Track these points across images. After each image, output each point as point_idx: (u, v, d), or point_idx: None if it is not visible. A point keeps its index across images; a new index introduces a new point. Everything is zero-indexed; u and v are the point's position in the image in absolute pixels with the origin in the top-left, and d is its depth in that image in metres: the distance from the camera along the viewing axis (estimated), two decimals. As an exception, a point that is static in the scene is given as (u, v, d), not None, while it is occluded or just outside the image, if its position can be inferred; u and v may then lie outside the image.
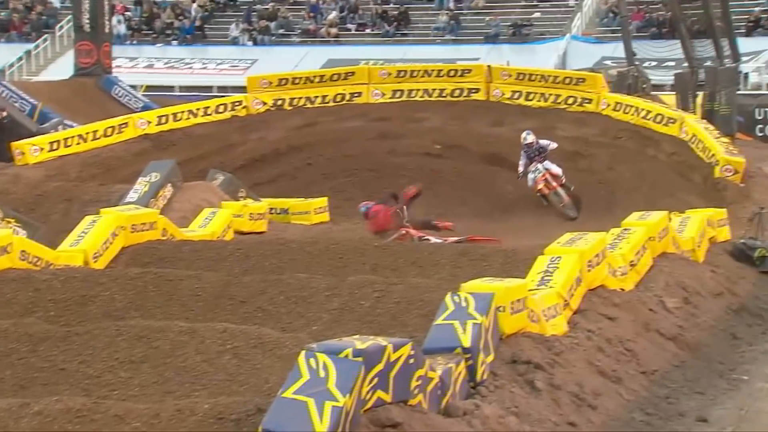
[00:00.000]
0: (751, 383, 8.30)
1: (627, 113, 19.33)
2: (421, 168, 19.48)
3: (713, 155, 16.68)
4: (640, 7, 33.10)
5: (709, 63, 22.58)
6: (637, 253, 9.86)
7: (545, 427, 6.51)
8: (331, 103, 21.34)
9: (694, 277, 10.62)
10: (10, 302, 8.62)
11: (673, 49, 25.80)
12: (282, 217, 16.74)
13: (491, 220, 17.72)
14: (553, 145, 17.48)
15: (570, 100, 20.13)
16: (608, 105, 19.70)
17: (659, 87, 26.29)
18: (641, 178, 18.06)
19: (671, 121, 18.51)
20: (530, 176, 17.38)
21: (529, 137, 17.36)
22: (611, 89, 20.90)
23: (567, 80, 20.48)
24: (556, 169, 17.43)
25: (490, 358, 6.85)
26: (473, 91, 20.90)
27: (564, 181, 17.60)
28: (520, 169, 17.32)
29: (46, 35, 35.90)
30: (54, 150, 18.86)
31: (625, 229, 10.19)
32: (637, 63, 25.28)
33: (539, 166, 17.32)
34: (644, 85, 23.78)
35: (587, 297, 8.70)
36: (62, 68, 31.81)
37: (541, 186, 17.35)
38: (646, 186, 17.68)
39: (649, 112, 18.97)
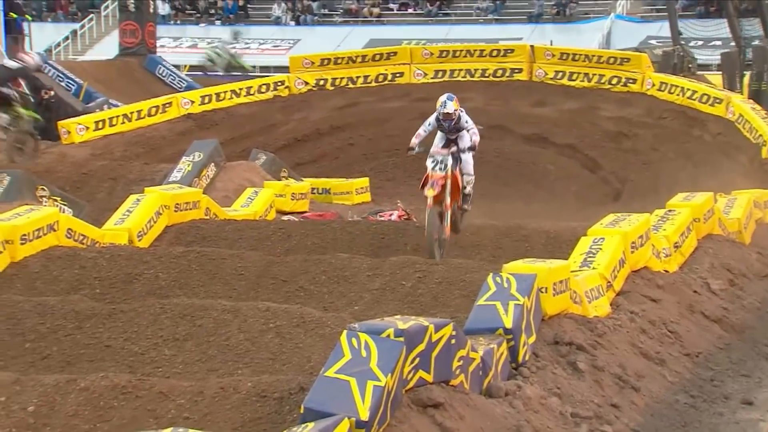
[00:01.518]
0: (797, 366, 8.20)
1: (672, 93, 19.12)
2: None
3: (760, 135, 16.45)
4: (687, -15, 32.64)
5: (756, 42, 22.21)
6: (682, 234, 9.75)
7: (588, 409, 6.47)
8: (373, 84, 21.30)
9: (740, 258, 10.49)
10: (56, 279, 8.73)
11: (719, 27, 25.44)
12: (324, 197, 16.78)
13: (533, 200, 17.62)
14: (476, 138, 10.34)
15: (614, 80, 19.93)
16: (653, 85, 19.48)
17: (705, 67, 25.93)
18: (686, 159, 17.86)
19: (717, 101, 18.27)
20: (429, 162, 10.10)
21: (449, 104, 10.22)
22: (656, 69, 20.65)
23: (611, 60, 20.27)
24: (467, 176, 10.45)
25: (532, 339, 6.81)
26: (516, 71, 20.76)
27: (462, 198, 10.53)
28: (414, 140, 10.36)
29: (91, 15, 36.21)
30: (99, 129, 19.06)
31: (670, 210, 10.07)
32: (682, 42, 24.92)
33: (448, 158, 10.08)
34: (690, 65, 23.47)
35: (630, 278, 8.63)
36: (107, 48, 32.11)
37: (435, 191, 9.90)
38: (690, 166, 17.49)
39: (694, 92, 18.74)
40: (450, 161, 9.91)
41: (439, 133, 10.31)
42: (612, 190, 17.80)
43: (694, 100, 18.63)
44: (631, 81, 19.76)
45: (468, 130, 10.24)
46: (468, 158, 10.26)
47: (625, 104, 19.57)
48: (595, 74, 20.09)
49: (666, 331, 8.11)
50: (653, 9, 33.05)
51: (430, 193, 9.67)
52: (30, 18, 26.51)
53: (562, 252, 8.94)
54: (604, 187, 17.86)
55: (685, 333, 8.24)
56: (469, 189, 10.33)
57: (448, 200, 9.83)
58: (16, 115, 16.43)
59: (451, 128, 10.20)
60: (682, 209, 10.11)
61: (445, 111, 10.12)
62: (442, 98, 10.29)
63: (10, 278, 8.67)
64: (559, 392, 6.49)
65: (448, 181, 9.80)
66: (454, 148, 10.09)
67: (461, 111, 10.22)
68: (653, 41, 29.59)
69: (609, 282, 8.19)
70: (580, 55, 20.63)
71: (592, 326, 7.44)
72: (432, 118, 10.26)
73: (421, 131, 10.28)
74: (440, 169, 9.83)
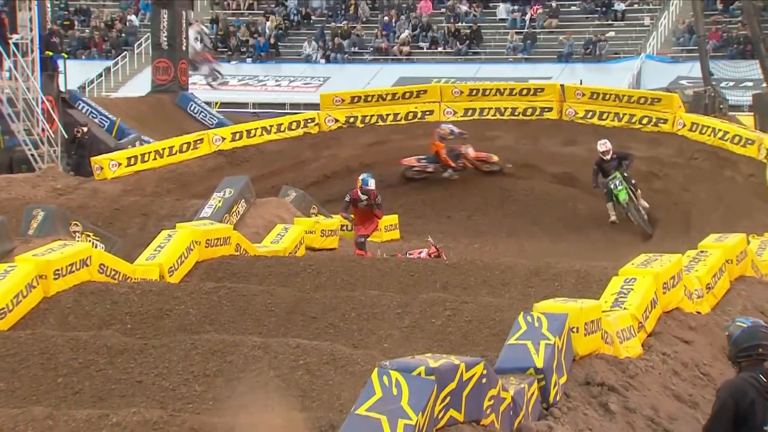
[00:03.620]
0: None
1: (704, 134, 19.04)
2: (492, 186, 19.44)
3: (793, 177, 16.32)
4: (718, 26, 32.59)
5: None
6: (714, 275, 9.68)
7: (619, 451, 6.41)
8: (403, 121, 21.40)
9: (773, 301, 10.38)
10: (88, 314, 8.80)
11: (751, 68, 25.34)
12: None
13: (562, 239, 17.57)
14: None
15: (644, 120, 19.90)
16: (684, 125, 19.42)
17: (737, 107, 25.82)
18: (718, 200, 17.75)
19: (749, 142, 18.17)
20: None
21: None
22: (687, 109, 20.61)
23: (642, 100, 20.25)
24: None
25: (564, 379, 6.78)
26: (546, 110, 20.80)
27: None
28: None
29: (125, 52, 36.73)
30: (131, 165, 19.24)
31: (702, 251, 10.01)
32: (713, 83, 24.87)
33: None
34: (721, 106, 23.38)
35: (662, 319, 8.57)
36: (140, 85, 32.49)
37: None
38: (722, 207, 17.37)
39: (726, 132, 18.65)
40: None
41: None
42: (642, 231, 17.69)
43: (726, 140, 18.54)
44: (662, 121, 19.72)
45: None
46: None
47: (656, 144, 19.52)
48: (625, 114, 20.07)
49: (698, 373, 8.04)
50: (684, 49, 33.05)
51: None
52: (66, 56, 26.93)
53: (593, 292, 8.91)
54: (634, 227, 17.77)
55: (717, 375, 8.16)
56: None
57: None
58: None
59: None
60: (714, 250, 10.04)
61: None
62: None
63: (44, 313, 8.75)
64: (591, 434, 6.43)
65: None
66: None
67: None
68: (684, 81, 29.54)
69: (641, 323, 8.14)
70: (611, 94, 20.63)
71: (623, 367, 7.40)
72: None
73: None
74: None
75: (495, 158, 19.47)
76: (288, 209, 16.01)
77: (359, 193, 14.85)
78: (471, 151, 19.35)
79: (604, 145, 17.57)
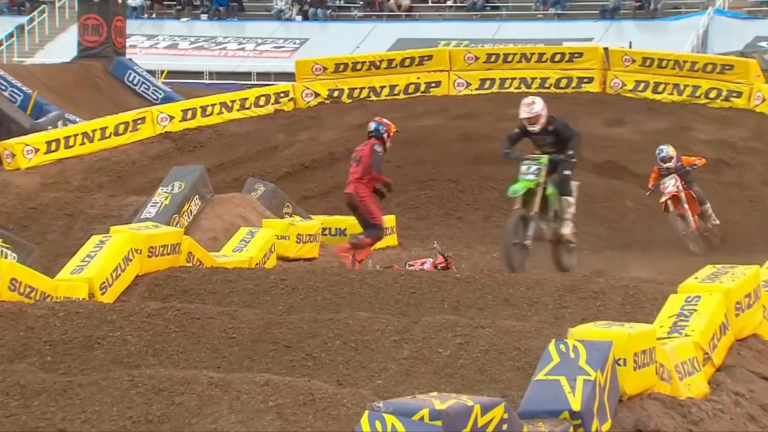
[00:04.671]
0: None
1: (789, 110, 19.17)
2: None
3: None
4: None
5: None
6: (802, 293, 9.72)
7: None
8: (402, 96, 21.47)
9: None
10: (-4, 343, 8.80)
11: None
12: (338, 240, 16.84)
13: (606, 246, 17.62)
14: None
15: (712, 94, 19.99)
16: (763, 100, 19.50)
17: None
18: (806, 196, 17.87)
19: None
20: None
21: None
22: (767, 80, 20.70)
23: (709, 67, 20.35)
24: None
25: (607, 425, 6.80)
26: (585, 80, 20.88)
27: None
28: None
29: (42, 5, 36.73)
30: (52, 152, 19.26)
31: (786, 262, 10.06)
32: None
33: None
34: (812, 74, 23.48)
35: (735, 349, 8.60)
36: (63, 48, 32.52)
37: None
38: (812, 206, 17.49)
39: (817, 109, 18.78)
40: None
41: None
42: (709, 235, 17.73)
43: (817, 119, 18.66)
44: (734, 95, 19.80)
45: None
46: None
47: (728, 124, 19.59)
48: (687, 85, 20.17)
49: (781, 418, 8.08)
50: (764, 2, 33.15)
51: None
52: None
53: (645, 314, 8.93)
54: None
55: (805, 421, 8.20)
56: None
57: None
58: None
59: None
60: (801, 260, 10.09)
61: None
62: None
63: (-63, 341, 8.76)
64: (642, 495, 6.46)
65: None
66: None
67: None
68: (764, 43, 29.63)
69: (707, 353, 8.16)
70: (669, 60, 20.70)
71: (684, 411, 7.42)
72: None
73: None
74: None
75: None
76: (254, 208, 16.03)
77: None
78: None
79: (527, 108, 13.20)
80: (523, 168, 12.94)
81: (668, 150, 17.24)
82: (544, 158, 12.93)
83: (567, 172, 13.03)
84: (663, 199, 17.16)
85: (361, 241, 14.47)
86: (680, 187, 17.10)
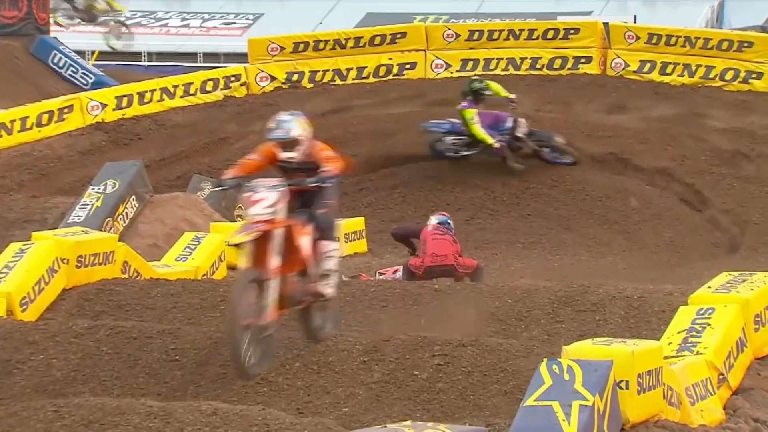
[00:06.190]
0: None
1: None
2: (503, 174, 19.46)
3: None
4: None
5: None
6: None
7: None
8: (371, 79, 21.46)
9: None
10: None
11: None
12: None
13: (607, 251, 17.66)
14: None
15: (729, 75, 20.05)
16: (787, 81, 19.63)
17: None
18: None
19: None
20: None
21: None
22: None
23: (725, 45, 20.40)
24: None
25: (608, 458, 6.83)
26: (582, 61, 20.89)
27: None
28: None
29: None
30: (-36, 146, 19.17)
31: (812, 268, 10.11)
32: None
33: None
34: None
35: (754, 369, 8.64)
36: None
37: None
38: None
39: None
40: None
41: None
42: (726, 238, 17.82)
43: None
44: (754, 76, 19.88)
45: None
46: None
47: (746, 110, 19.66)
48: (700, 66, 20.22)
49: (808, 448, 8.12)
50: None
51: None
52: None
53: (651, 328, 8.97)
54: (712, 232, 17.90)
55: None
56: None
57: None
58: None
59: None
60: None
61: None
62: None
63: None
64: None
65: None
66: None
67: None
68: (786, 17, 29.82)
69: (722, 374, 8.19)
70: (678, 37, 20.76)
71: (696, 440, 7.46)
72: None
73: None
74: None
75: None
76: (201, 210, 15.99)
77: None
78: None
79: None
80: None
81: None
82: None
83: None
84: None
85: None
86: None
